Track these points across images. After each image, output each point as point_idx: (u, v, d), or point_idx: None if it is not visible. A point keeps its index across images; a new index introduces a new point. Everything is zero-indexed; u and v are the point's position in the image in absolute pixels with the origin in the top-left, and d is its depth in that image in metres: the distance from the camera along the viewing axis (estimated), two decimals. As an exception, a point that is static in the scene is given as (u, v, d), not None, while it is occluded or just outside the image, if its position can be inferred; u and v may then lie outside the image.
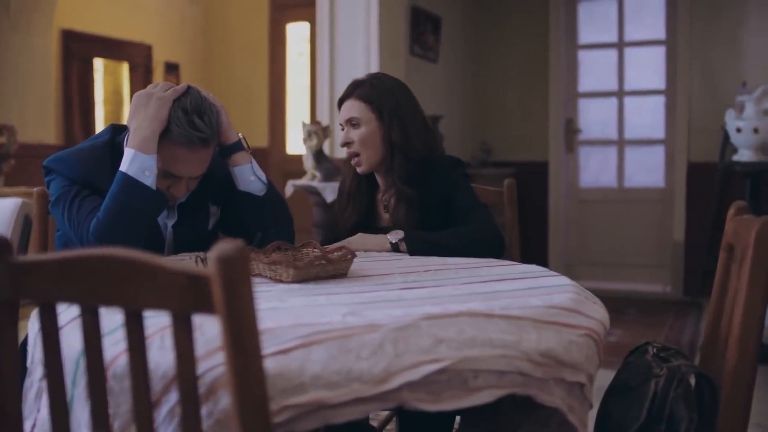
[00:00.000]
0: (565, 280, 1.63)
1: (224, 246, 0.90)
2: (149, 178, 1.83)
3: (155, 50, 7.55)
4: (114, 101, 7.31)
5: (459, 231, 2.08)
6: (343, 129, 2.24)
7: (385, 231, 2.13)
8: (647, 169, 6.24)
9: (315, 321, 1.24)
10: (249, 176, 2.01)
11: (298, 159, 7.69)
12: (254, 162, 2.04)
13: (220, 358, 1.13)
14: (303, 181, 4.41)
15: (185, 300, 0.94)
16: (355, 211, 2.25)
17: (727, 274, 1.63)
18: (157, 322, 1.20)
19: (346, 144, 2.21)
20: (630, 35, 6.21)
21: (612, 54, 6.27)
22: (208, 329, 1.18)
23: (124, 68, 7.33)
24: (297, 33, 7.95)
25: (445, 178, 2.17)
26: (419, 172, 2.16)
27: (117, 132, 2.02)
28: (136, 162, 1.82)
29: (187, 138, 1.85)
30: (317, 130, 4.32)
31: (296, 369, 1.11)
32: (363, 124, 2.18)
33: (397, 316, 1.26)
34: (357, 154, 2.20)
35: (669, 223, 6.08)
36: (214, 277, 0.90)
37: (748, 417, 1.35)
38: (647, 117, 6.20)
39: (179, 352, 0.97)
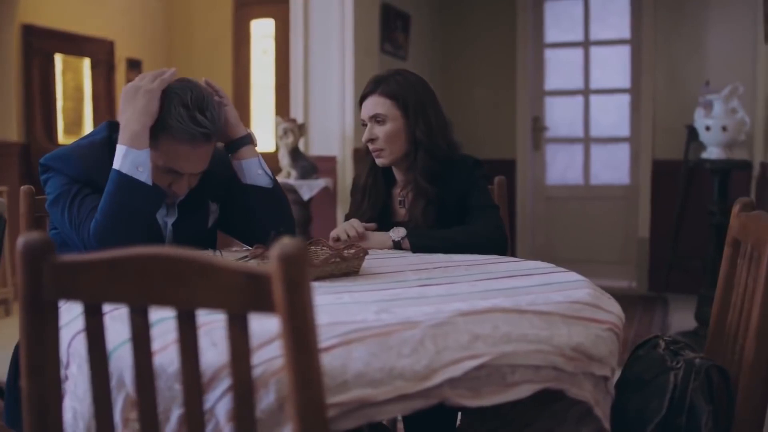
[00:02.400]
0: (576, 276, 1.66)
1: (286, 244, 0.90)
2: (143, 174, 1.78)
3: (117, 46, 7.42)
4: (75, 98, 7.17)
5: (463, 229, 2.10)
6: (364, 125, 2.21)
7: (401, 226, 2.13)
8: (613, 167, 6.33)
9: (349, 319, 1.24)
10: (256, 170, 1.99)
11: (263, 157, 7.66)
12: (261, 157, 2.02)
13: (259, 357, 1.12)
14: (279, 179, 4.38)
15: (243, 299, 0.93)
16: (371, 207, 2.24)
17: (732, 268, 1.67)
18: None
19: (370, 140, 2.19)
20: (595, 35, 6.30)
21: (578, 53, 6.36)
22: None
23: (86, 64, 7.20)
24: (261, 30, 7.88)
25: (466, 178, 2.17)
26: (440, 170, 2.17)
27: (113, 129, 1.99)
28: (128, 158, 1.77)
29: (190, 134, 1.81)
30: (293, 128, 4.30)
31: (338, 367, 1.11)
32: (389, 121, 2.16)
33: (430, 314, 1.27)
34: (381, 150, 2.18)
35: (634, 220, 6.19)
36: (275, 275, 0.90)
37: (765, 408, 1.39)
38: (612, 115, 6.29)
39: (235, 353, 0.96)
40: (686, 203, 5.67)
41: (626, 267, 6.24)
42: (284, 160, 4.36)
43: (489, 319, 1.25)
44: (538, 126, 6.50)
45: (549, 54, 6.49)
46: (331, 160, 4.58)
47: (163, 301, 0.97)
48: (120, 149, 1.80)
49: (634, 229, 6.20)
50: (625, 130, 6.25)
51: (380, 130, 2.17)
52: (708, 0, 5.77)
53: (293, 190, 4.31)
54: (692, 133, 5.51)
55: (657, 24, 5.95)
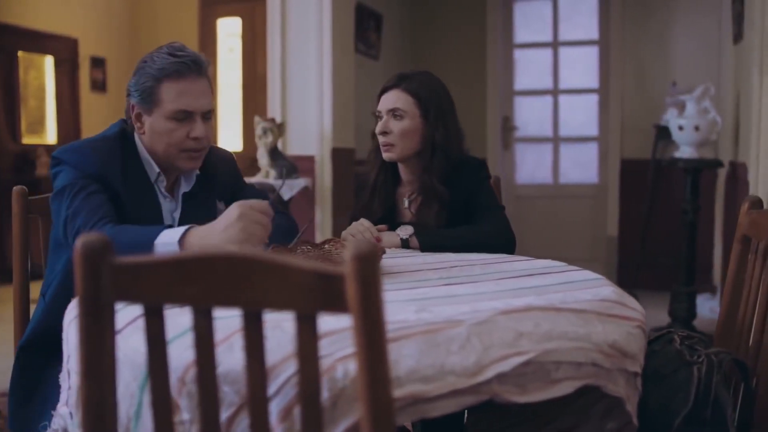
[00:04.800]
0: (592, 274, 1.69)
1: (360, 244, 0.90)
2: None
3: (81, 44, 7.30)
4: (38, 97, 7.03)
5: (472, 228, 2.12)
6: (379, 117, 2.19)
7: (406, 225, 2.13)
8: (581, 166, 6.43)
9: (390, 318, 1.24)
10: None
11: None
12: None
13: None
14: (257, 179, 4.36)
15: (313, 299, 0.93)
16: (381, 205, 2.23)
17: (742, 265, 1.71)
18: (231, 324, 1.18)
19: (383, 133, 2.17)
20: (564, 35, 6.39)
21: (547, 53, 6.43)
22: (288, 327, 1.17)
23: (49, 62, 7.06)
24: (228, 28, 7.82)
25: (472, 179, 2.19)
26: (451, 172, 2.17)
27: (127, 123, 1.97)
28: (168, 247, 1.63)
29: (181, 65, 1.84)
30: (272, 127, 4.27)
31: (390, 363, 1.12)
32: (407, 118, 2.15)
33: (468, 312, 1.28)
34: (392, 145, 2.17)
35: (603, 218, 6.29)
36: (349, 275, 0.90)
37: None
38: (581, 115, 6.38)
39: (303, 354, 0.96)
40: (654, 201, 5.77)
41: (595, 265, 6.32)
42: (263, 159, 4.34)
43: (529, 317, 1.26)
44: (507, 125, 6.56)
45: (518, 54, 6.56)
46: (309, 160, 4.56)
47: (229, 302, 0.96)
48: (170, 240, 1.64)
49: (602, 228, 6.30)
50: (593, 130, 6.34)
51: (396, 125, 2.16)
52: (674, 2, 5.89)
53: (272, 190, 4.28)
54: (660, 132, 5.63)
55: (625, 25, 6.05)
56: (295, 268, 0.93)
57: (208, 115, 1.92)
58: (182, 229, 1.63)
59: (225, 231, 1.58)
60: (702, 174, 4.57)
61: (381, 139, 2.18)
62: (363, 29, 5.64)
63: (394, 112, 2.17)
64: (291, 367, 1.12)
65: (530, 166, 6.61)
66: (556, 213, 6.48)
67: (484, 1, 6.46)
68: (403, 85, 2.17)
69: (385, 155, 2.19)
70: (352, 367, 1.11)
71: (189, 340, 1.17)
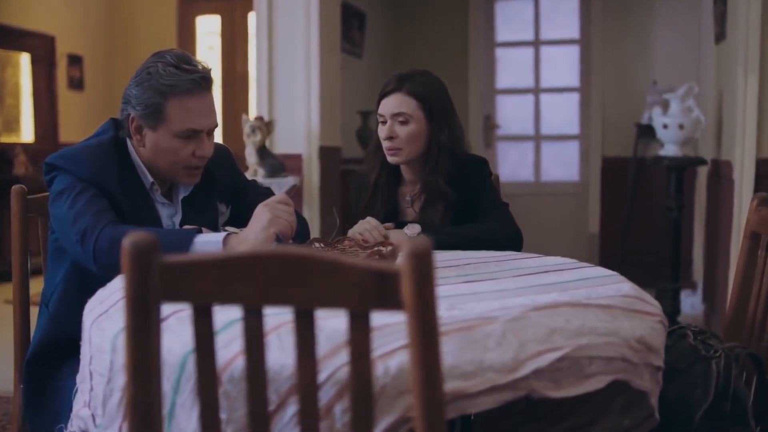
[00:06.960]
0: (606, 270, 1.71)
1: (416, 241, 0.91)
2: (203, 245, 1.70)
3: (58, 41, 7.21)
4: (14, 94, 6.93)
5: (479, 226, 2.13)
6: (382, 121, 2.17)
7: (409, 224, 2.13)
8: (563, 164, 6.48)
9: (424, 315, 1.25)
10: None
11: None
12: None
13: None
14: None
15: (366, 297, 0.94)
16: (383, 206, 2.22)
17: (750, 260, 1.74)
18: (270, 321, 1.18)
19: (389, 138, 2.15)
20: (545, 34, 6.44)
21: (528, 52, 6.48)
22: (325, 326, 1.17)
23: (25, 60, 6.96)
24: (207, 26, 7.78)
25: (474, 177, 2.19)
26: (455, 172, 2.17)
27: (119, 126, 1.94)
28: (208, 246, 1.68)
29: (190, 83, 1.79)
30: (260, 126, 4.26)
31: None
32: (412, 122, 2.13)
33: (498, 309, 1.29)
34: (398, 149, 2.15)
35: (584, 216, 6.35)
36: (405, 272, 0.91)
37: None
38: (563, 113, 6.44)
39: (355, 352, 0.96)
40: (635, 199, 5.84)
41: (577, 261, 6.39)
42: (251, 158, 4.32)
43: (560, 313, 1.28)
44: (489, 124, 6.60)
45: (500, 53, 6.60)
46: (296, 158, 4.55)
47: (280, 301, 0.96)
48: (210, 242, 1.69)
49: (584, 225, 6.36)
50: (574, 128, 6.40)
51: (402, 130, 2.14)
52: (655, 2, 5.97)
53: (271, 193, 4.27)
54: (641, 130, 5.70)
55: (605, 24, 6.12)
56: (350, 267, 0.93)
57: (212, 131, 1.90)
58: (222, 234, 1.69)
59: (256, 231, 1.68)
60: (688, 172, 4.64)
61: (386, 143, 2.16)
62: (347, 28, 5.64)
63: (398, 117, 2.14)
64: (331, 365, 1.13)
65: (512, 165, 6.65)
66: (537, 211, 6.52)
67: (466, 0, 6.49)
68: (405, 87, 2.14)
69: (391, 159, 2.18)
70: (393, 364, 1.12)
71: (223, 339, 1.17)
